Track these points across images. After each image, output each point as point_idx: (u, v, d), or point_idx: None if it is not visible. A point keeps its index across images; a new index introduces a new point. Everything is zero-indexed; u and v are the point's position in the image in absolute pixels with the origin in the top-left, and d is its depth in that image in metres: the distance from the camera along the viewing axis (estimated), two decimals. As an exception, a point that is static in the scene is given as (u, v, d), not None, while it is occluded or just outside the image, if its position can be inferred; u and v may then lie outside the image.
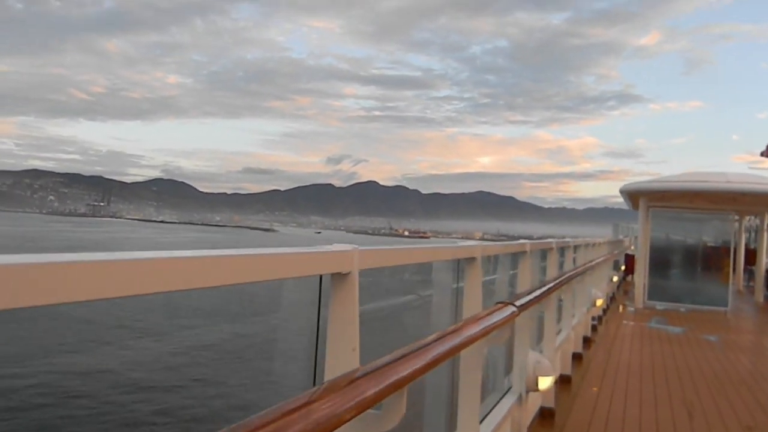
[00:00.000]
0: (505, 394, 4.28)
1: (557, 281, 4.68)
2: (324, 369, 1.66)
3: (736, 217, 15.30)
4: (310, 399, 1.21)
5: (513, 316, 2.93)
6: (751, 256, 21.05)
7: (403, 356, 1.71)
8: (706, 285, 15.07)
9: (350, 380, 1.39)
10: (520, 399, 4.24)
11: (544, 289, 3.96)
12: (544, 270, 6.03)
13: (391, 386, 1.52)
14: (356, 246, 1.71)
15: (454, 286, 3.15)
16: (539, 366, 4.24)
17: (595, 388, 6.62)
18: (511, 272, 4.62)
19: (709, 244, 15.51)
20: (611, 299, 14.81)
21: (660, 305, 14.50)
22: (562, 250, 7.55)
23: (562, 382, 6.75)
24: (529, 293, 3.55)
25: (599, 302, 9.77)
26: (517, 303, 3.06)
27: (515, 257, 4.57)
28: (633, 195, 15.35)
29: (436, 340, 1.94)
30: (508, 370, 4.50)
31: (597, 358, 8.31)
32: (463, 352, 2.95)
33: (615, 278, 14.82)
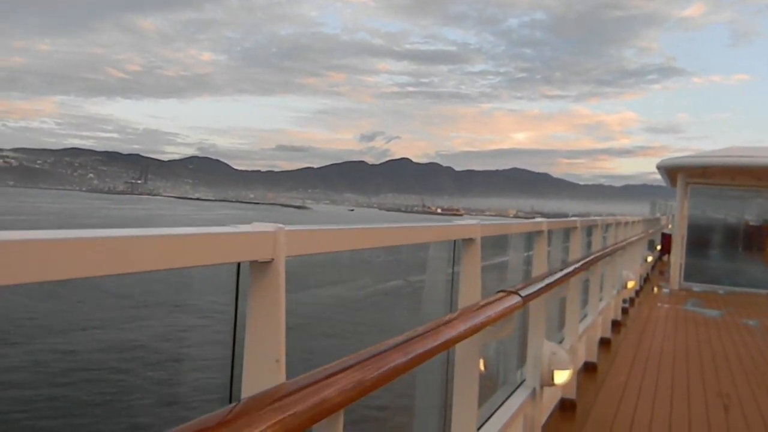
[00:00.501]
0: (517, 388, 3.87)
1: (576, 266, 4.20)
2: (242, 382, 1.33)
3: (781, 195, 14.43)
4: (222, 420, 0.98)
5: (515, 307, 2.52)
6: None
7: (345, 368, 1.31)
8: (746, 266, 14.32)
9: (273, 399, 1.11)
10: (533, 394, 3.83)
11: (558, 275, 3.50)
12: (567, 250, 5.57)
13: (325, 407, 1.19)
14: (281, 225, 1.33)
15: (449, 271, 2.72)
16: (555, 358, 3.82)
17: (622, 378, 6.16)
18: (526, 254, 4.18)
19: (751, 223, 14.71)
20: (645, 280, 14.19)
21: (697, 287, 13.83)
22: (589, 230, 7.05)
23: (587, 370, 6.31)
24: (539, 281, 3.11)
25: (631, 284, 9.24)
26: (523, 293, 2.64)
27: (532, 238, 4.13)
28: (671, 171, 14.58)
29: (394, 347, 1.53)
30: (522, 361, 4.09)
31: (626, 344, 7.82)
32: (459, 349, 2.57)
33: (650, 258, 14.18)
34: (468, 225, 2.65)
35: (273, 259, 1.30)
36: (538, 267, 3.94)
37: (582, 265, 4.45)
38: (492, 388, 3.85)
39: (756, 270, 14.15)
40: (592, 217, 7.37)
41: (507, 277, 4.18)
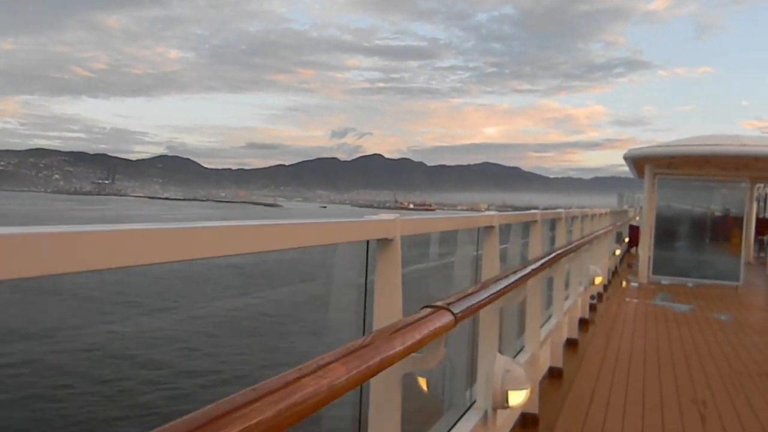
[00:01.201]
0: (466, 411, 3.34)
1: (534, 266, 3.65)
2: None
3: (748, 185, 14.15)
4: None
5: (445, 328, 1.96)
6: (763, 226, 19.97)
7: None
8: (715, 258, 14.07)
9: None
10: (485, 417, 3.30)
11: (507, 281, 2.92)
12: (527, 246, 5.05)
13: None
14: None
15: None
16: (509, 376, 3.27)
17: (590, 385, 5.69)
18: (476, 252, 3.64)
19: (718, 214, 14.46)
20: (613, 273, 13.86)
21: (666, 280, 13.53)
22: (552, 223, 6.56)
23: (552, 376, 5.84)
24: (480, 290, 2.54)
25: (598, 280, 8.80)
26: (456, 308, 2.08)
27: (481, 235, 3.59)
28: (638, 161, 14.23)
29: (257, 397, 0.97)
30: (472, 379, 3.55)
31: (594, 345, 7.38)
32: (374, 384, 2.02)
33: (617, 251, 13.83)
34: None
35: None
36: (488, 270, 3.40)
37: (541, 265, 3.91)
38: (436, 412, 3.32)
39: (723, 262, 13.91)
40: (555, 209, 6.88)
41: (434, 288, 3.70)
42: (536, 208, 6.07)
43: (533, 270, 3.56)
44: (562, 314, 6.36)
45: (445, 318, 1.97)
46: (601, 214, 12.23)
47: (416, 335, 1.76)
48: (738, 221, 13.96)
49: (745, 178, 13.82)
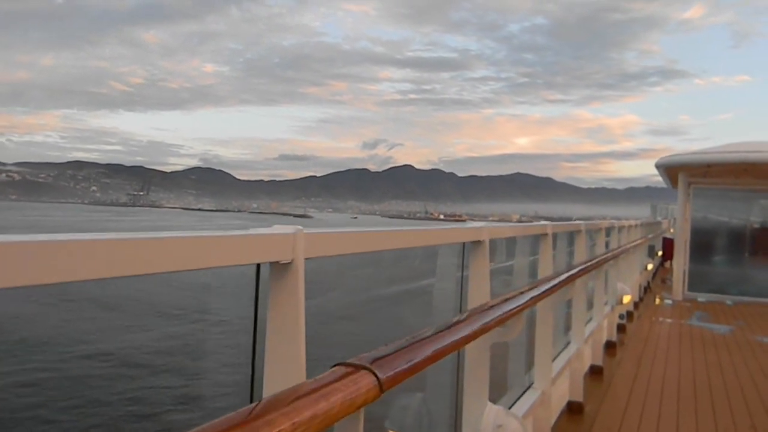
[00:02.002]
0: None
1: (533, 294, 2.96)
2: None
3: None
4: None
5: (366, 398, 1.32)
6: None
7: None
8: (755, 273, 13.10)
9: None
10: None
11: (486, 318, 2.25)
12: (536, 264, 4.37)
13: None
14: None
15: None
16: (501, 432, 2.64)
17: (615, 423, 4.98)
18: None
19: (757, 226, 13.50)
20: (645, 290, 13.00)
21: (702, 297, 12.62)
22: (571, 236, 5.88)
23: (571, 411, 5.14)
24: (430, 336, 1.86)
25: (627, 299, 8.04)
26: (382, 374, 1.42)
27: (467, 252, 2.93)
28: (671, 170, 13.34)
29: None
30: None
31: (622, 373, 6.64)
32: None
33: (650, 266, 12.99)
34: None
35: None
36: (474, 298, 2.76)
37: (544, 291, 3.21)
38: None
39: (765, 277, 12.94)
40: (574, 221, 6.18)
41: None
42: (570, 218, 5.54)
43: (532, 299, 2.89)
44: (583, 340, 5.66)
45: (366, 385, 1.32)
46: (630, 226, 11.43)
47: (311, 410, 1.14)
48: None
49: (787, 188, 12.88)
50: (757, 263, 13.16)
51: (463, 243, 2.69)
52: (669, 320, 10.15)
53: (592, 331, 6.29)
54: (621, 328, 8.67)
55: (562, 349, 5.17)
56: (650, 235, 13.26)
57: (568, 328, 5.67)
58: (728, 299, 12.46)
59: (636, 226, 12.27)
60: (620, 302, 7.94)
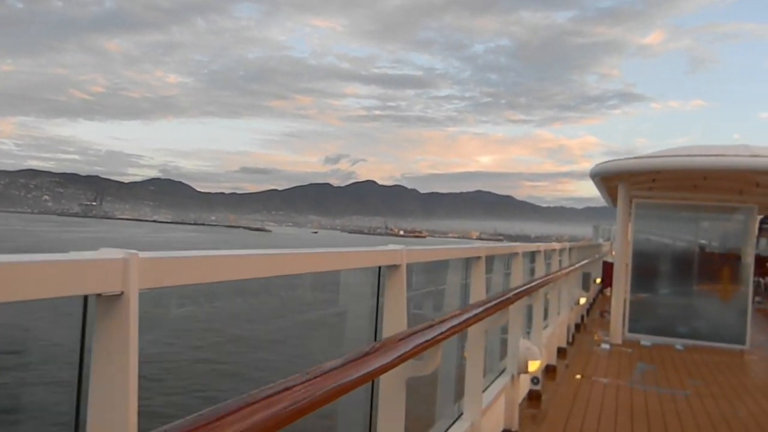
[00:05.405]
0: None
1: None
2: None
3: (755, 212, 10.60)
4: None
5: None
6: (760, 266, 16.31)
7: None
8: (711, 310, 10.54)
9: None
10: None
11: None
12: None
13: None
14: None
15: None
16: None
17: None
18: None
19: (716, 251, 10.93)
20: (577, 329, 10.30)
21: (646, 340, 9.96)
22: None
23: None
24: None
25: (533, 366, 5.19)
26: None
27: None
28: (608, 179, 10.62)
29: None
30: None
31: None
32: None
33: (583, 300, 10.24)
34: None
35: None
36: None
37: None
38: None
39: (722, 315, 10.36)
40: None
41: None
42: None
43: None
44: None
45: None
46: (554, 250, 8.73)
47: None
48: (739, 260, 10.44)
49: (752, 204, 10.31)
50: (712, 298, 10.61)
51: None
52: (604, 380, 7.35)
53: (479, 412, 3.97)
54: (533, 397, 5.95)
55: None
56: (584, 261, 10.53)
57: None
58: (678, 343, 9.83)
59: (563, 249, 9.59)
60: (525, 370, 5.13)
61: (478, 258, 3.94)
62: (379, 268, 2.45)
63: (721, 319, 10.32)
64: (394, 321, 2.42)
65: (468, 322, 2.84)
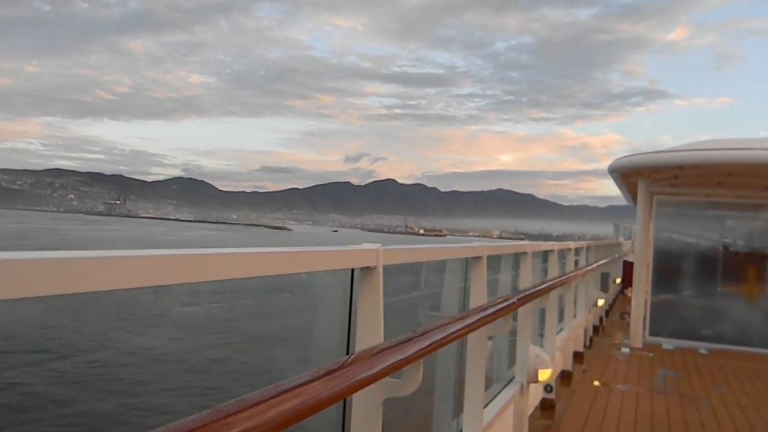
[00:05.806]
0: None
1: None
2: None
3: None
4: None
5: None
6: None
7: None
8: (733, 309, 10.05)
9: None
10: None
11: None
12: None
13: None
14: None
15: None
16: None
17: None
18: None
19: (742, 251, 10.44)
20: (595, 331, 9.87)
21: (668, 344, 9.50)
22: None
23: None
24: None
25: (544, 375, 4.81)
26: None
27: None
28: (628, 175, 10.17)
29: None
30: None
31: None
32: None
33: (601, 301, 9.80)
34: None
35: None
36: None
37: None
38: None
39: (746, 315, 9.87)
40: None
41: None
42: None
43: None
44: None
45: None
46: (569, 249, 8.32)
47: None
48: (765, 260, 9.95)
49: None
50: (734, 297, 10.12)
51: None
52: (623, 387, 6.94)
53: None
54: (546, 406, 5.58)
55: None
56: (603, 261, 10.09)
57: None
58: (702, 347, 9.36)
59: (583, 249, 9.18)
60: (535, 379, 4.76)
61: (479, 258, 3.56)
62: (352, 270, 2.15)
63: (748, 321, 9.83)
64: (369, 333, 2.13)
65: (458, 334, 2.47)
